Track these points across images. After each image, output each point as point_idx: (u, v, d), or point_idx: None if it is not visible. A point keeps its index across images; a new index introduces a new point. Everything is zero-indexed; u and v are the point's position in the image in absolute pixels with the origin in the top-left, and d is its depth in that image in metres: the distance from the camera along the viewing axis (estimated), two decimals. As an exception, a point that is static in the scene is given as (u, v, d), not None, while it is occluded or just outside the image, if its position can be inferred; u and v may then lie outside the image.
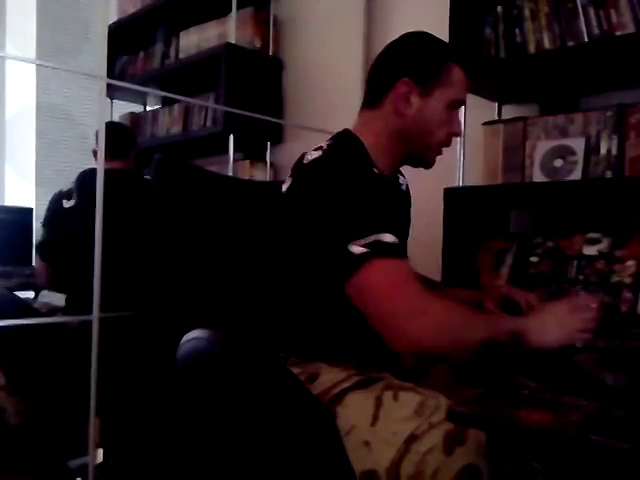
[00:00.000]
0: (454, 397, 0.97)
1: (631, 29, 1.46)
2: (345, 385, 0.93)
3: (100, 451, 1.88)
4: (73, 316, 1.60)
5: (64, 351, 1.70)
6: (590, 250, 1.53)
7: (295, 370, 0.97)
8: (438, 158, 1.27)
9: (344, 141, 1.08)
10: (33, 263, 2.43)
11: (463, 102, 1.15)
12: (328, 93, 2.40)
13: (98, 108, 1.55)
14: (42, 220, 1.99)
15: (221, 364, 0.93)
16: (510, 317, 1.00)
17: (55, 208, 1.90)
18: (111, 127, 2.12)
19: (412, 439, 0.81)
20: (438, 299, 0.94)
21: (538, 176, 1.65)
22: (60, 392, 1.73)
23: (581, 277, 1.53)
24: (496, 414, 0.71)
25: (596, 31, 1.54)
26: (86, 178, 1.76)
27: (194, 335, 0.96)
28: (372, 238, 0.87)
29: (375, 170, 1.06)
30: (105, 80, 1.51)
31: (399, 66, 1.10)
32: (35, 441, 1.80)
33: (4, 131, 2.82)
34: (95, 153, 2.05)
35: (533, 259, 1.63)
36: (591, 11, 1.55)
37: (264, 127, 2.44)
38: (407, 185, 1.29)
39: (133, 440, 1.78)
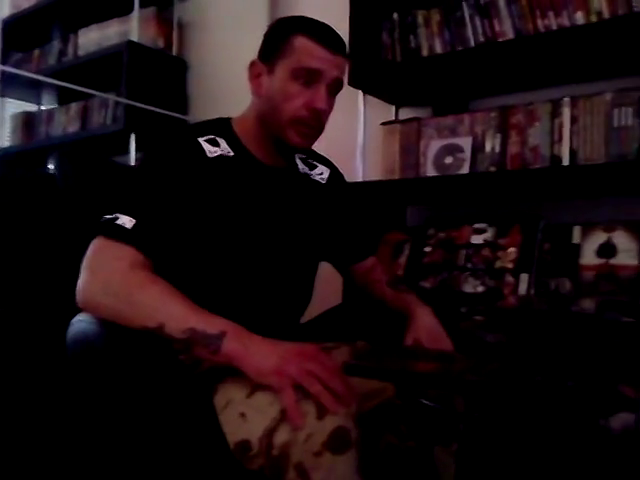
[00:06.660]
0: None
1: (511, 35, 1.60)
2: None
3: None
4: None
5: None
6: (477, 239, 1.64)
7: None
8: (338, 155, 1.26)
9: (191, 127, 1.11)
10: None
11: (313, 71, 1.01)
12: (232, 91, 2.42)
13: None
14: None
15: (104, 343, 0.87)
16: (227, 325, 0.84)
17: None
18: None
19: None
20: (143, 275, 0.88)
21: (431, 172, 1.75)
22: None
23: (469, 265, 1.63)
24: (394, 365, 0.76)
25: (481, 38, 1.67)
26: None
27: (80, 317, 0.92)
28: (113, 215, 0.92)
29: (219, 153, 1.04)
30: (-6, 61, 1.44)
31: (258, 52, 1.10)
32: None
33: None
34: None
35: (427, 249, 1.72)
36: (477, 19, 1.68)
37: (168, 125, 2.41)
38: (331, 177, 1.23)
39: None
